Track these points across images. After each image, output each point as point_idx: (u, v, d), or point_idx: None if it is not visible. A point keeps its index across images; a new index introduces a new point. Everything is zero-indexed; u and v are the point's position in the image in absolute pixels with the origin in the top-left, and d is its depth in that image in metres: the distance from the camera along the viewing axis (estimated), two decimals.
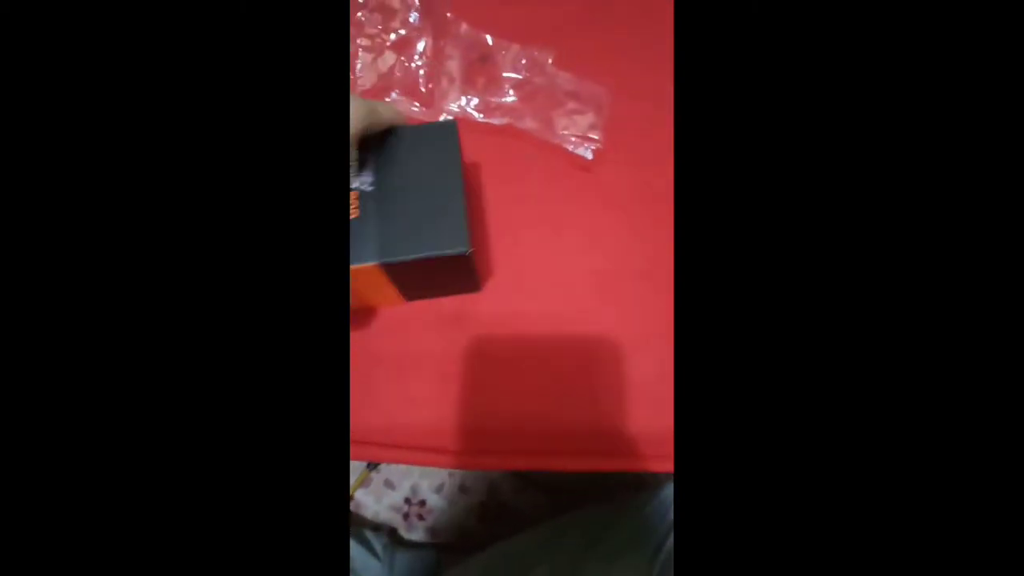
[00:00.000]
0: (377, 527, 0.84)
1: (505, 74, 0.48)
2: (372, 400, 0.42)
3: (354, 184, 0.37)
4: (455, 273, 0.39)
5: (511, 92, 0.47)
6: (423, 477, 0.88)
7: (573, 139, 0.47)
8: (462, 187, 0.37)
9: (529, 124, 0.47)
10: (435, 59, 0.48)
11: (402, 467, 0.88)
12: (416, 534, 0.85)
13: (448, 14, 0.48)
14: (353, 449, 0.41)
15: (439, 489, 0.87)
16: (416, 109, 0.48)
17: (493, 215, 0.47)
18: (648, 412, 0.41)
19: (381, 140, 0.39)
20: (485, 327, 0.44)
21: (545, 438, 0.41)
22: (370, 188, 0.37)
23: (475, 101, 0.47)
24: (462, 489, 0.87)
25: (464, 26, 0.48)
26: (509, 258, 0.46)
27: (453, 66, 0.48)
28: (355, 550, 0.66)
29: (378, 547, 0.69)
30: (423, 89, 0.48)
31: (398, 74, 0.48)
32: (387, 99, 0.48)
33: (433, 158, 0.38)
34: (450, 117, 0.48)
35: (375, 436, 0.41)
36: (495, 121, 0.47)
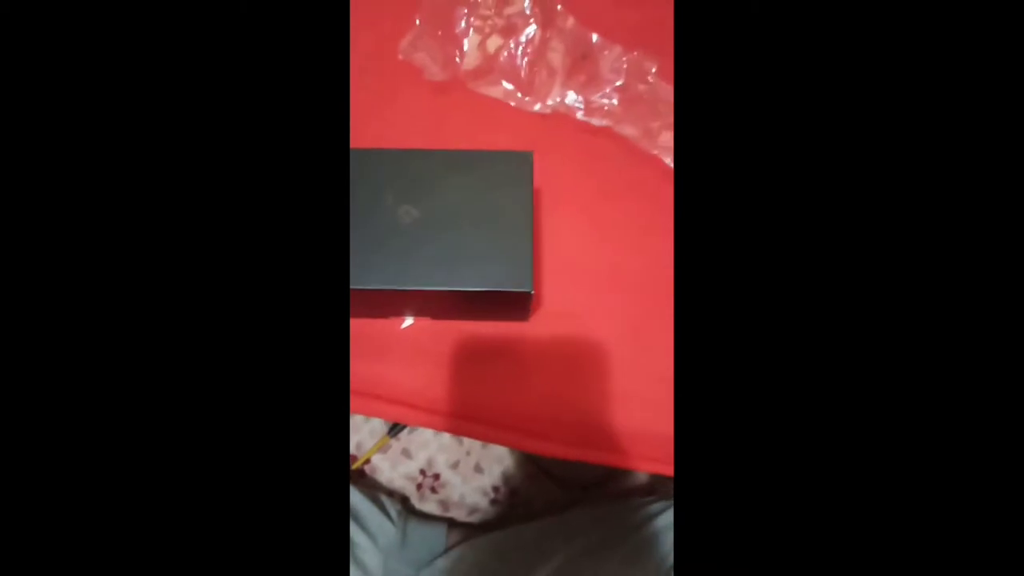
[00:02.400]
0: (390, 493, 0.86)
1: (607, 76, 0.48)
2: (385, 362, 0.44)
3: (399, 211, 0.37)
4: (507, 305, 0.40)
5: (613, 96, 0.48)
6: (440, 451, 0.89)
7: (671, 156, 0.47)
8: (531, 222, 0.37)
9: (629, 131, 0.48)
10: (540, 49, 0.49)
11: (421, 438, 0.90)
12: (427, 505, 0.87)
13: (558, 7, 0.49)
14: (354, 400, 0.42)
15: (455, 465, 0.89)
16: (519, 96, 0.49)
17: (568, 211, 0.48)
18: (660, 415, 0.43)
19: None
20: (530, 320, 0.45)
21: (556, 425, 0.43)
22: (416, 215, 0.37)
23: (574, 96, 0.48)
24: (477, 469, 0.89)
25: (571, 20, 0.49)
26: (561, 255, 0.47)
27: (556, 59, 0.49)
28: (371, 512, 0.68)
29: (393, 512, 0.71)
30: (523, 76, 0.49)
31: (503, 58, 0.49)
32: (488, 82, 0.49)
33: (504, 188, 0.38)
34: (548, 108, 0.49)
35: (377, 389, 0.43)
36: (595, 121, 0.48)
